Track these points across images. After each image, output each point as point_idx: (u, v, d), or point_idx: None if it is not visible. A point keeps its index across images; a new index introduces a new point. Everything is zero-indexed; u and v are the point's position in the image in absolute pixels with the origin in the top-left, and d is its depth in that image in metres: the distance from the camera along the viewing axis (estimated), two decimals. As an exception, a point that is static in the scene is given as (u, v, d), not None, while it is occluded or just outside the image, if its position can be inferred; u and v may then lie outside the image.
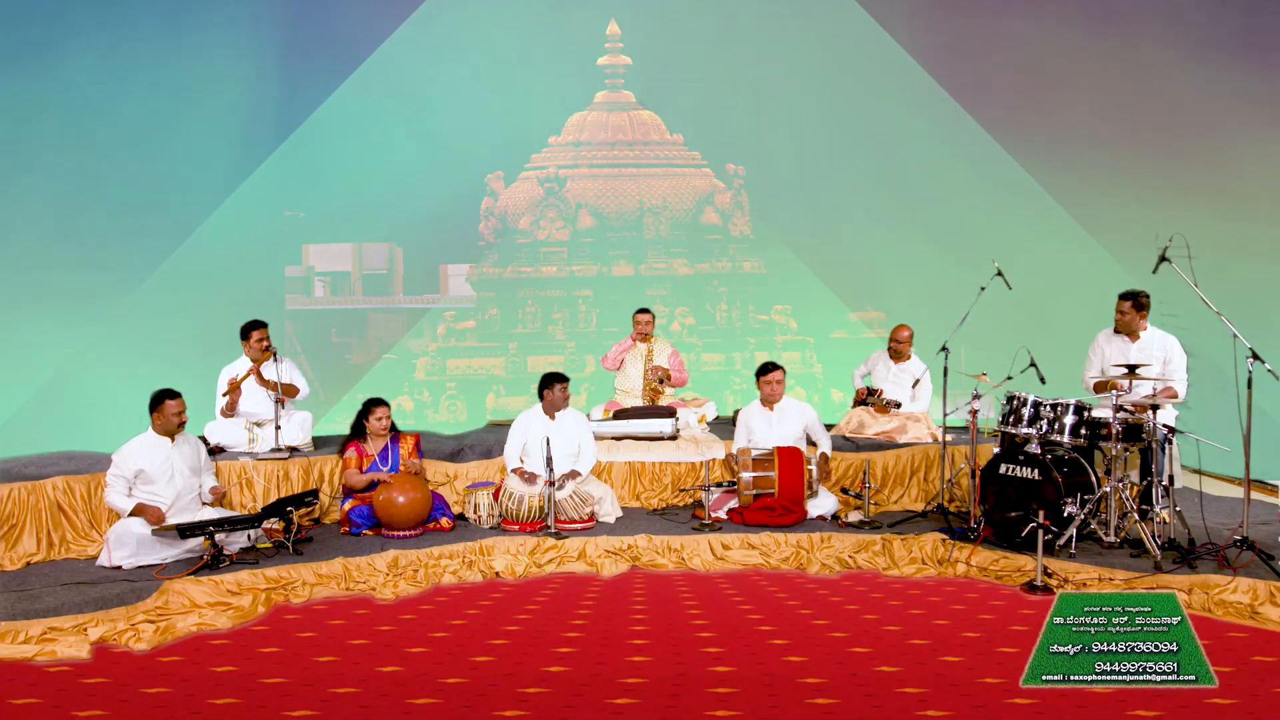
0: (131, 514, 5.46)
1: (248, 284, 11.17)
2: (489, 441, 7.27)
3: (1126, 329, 6.21)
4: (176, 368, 7.78)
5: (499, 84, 11.47)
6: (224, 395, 6.78)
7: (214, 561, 5.27)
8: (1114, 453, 5.69)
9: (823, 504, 6.43)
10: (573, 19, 11.64)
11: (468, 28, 11.40)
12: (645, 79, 11.98)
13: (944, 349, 6.65)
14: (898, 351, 7.57)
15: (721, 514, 6.37)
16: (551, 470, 6.02)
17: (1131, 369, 5.62)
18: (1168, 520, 5.54)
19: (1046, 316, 10.52)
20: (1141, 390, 5.76)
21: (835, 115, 11.46)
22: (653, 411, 7.36)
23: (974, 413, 6.20)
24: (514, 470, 6.41)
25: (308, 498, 6.13)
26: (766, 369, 6.77)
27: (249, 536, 5.64)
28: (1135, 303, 6.14)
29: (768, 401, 6.74)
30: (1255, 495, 5.84)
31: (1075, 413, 5.72)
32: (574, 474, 6.36)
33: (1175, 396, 6.00)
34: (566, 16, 11.60)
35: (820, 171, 11.55)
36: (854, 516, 6.32)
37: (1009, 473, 5.79)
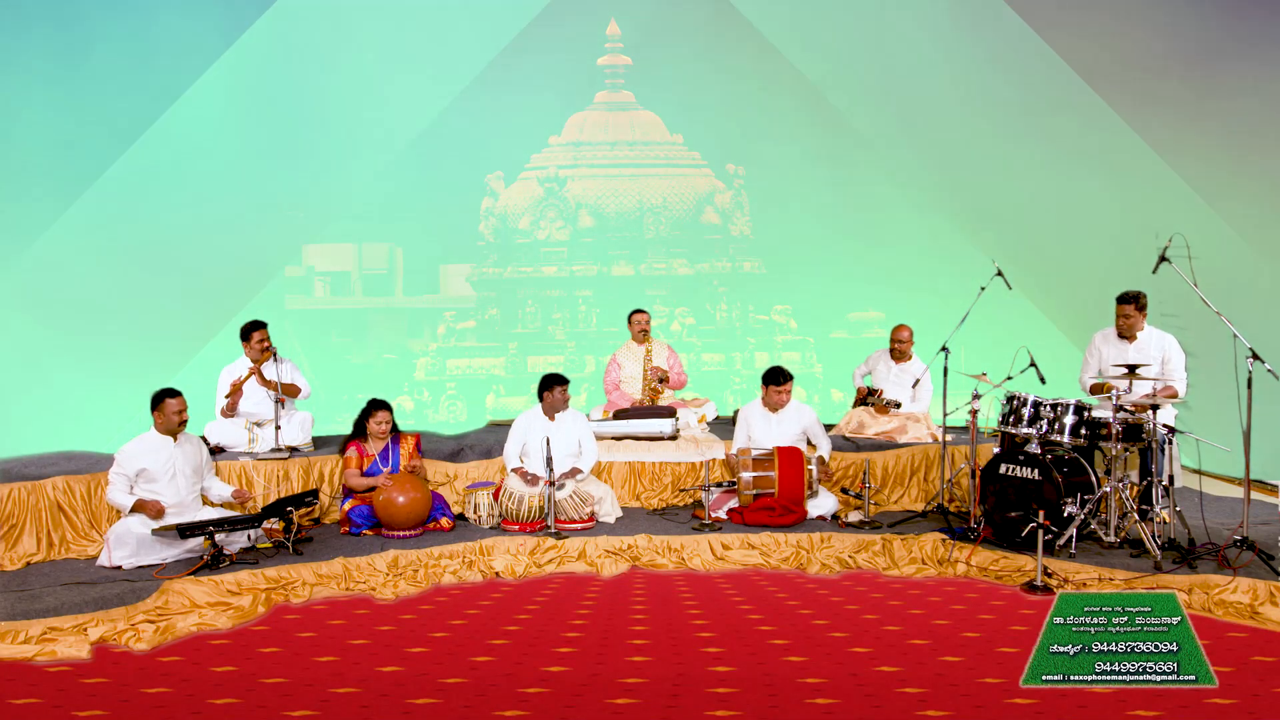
0: (132, 510, 5.47)
1: (248, 284, 11.17)
2: (489, 441, 7.28)
3: (1129, 332, 6.21)
4: (176, 368, 7.78)
5: (499, 84, 11.46)
6: (225, 397, 6.78)
7: (214, 561, 5.27)
8: (1114, 453, 5.70)
9: (823, 504, 6.43)
10: (573, 19, 11.64)
11: (467, 28, 11.40)
12: (645, 79, 11.97)
13: (944, 349, 6.66)
14: (899, 351, 7.57)
15: (721, 514, 6.37)
16: (551, 470, 6.02)
17: (1132, 369, 5.63)
18: (1168, 520, 5.55)
19: (1043, 322, 10.52)
20: (1141, 390, 5.76)
21: (835, 114, 11.45)
22: (653, 411, 7.36)
23: (974, 413, 6.20)
24: (514, 470, 6.41)
25: (308, 498, 6.13)
26: (780, 379, 6.65)
27: (249, 536, 5.65)
28: (1136, 304, 6.15)
29: (772, 405, 6.73)
30: (1255, 495, 5.84)
31: (1075, 413, 5.73)
32: (575, 471, 6.36)
33: (1175, 395, 6.00)
34: (566, 16, 11.60)
35: (820, 171, 11.54)
36: (854, 516, 6.32)
37: (1009, 473, 5.79)
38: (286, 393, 6.80)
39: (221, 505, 5.93)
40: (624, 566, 5.60)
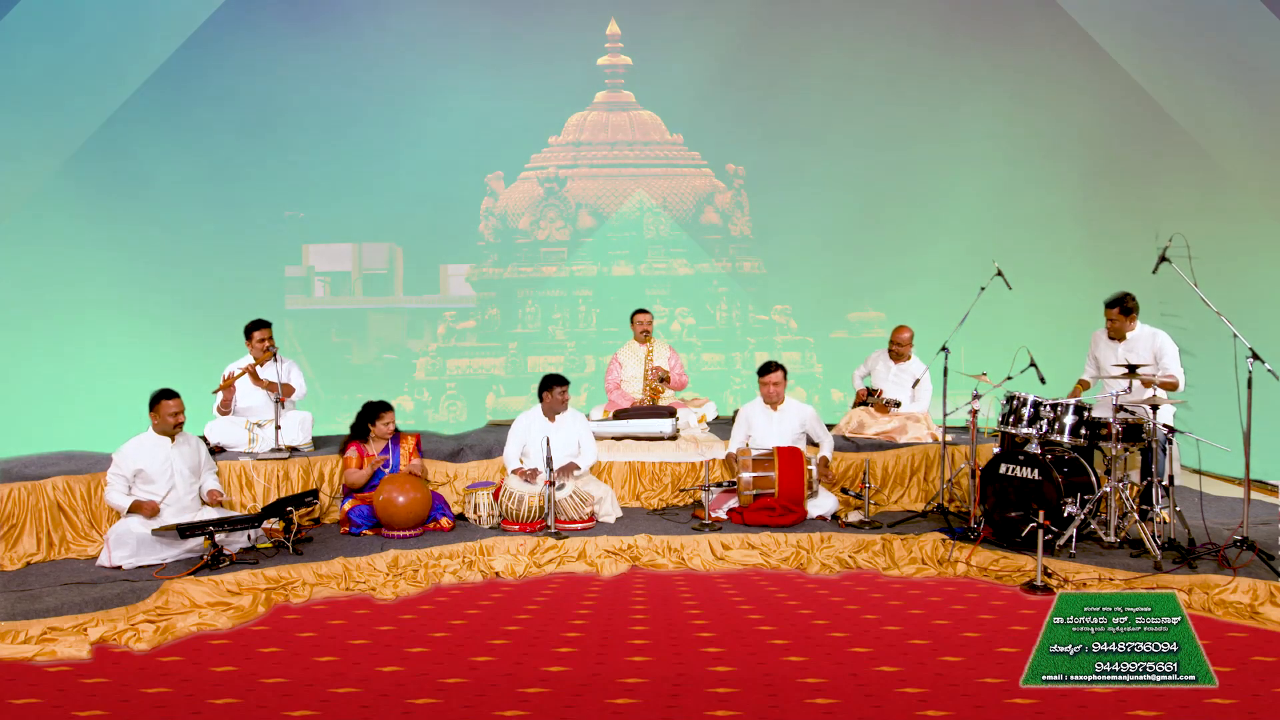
0: (129, 510, 5.47)
1: (248, 284, 11.18)
2: (489, 441, 7.27)
3: (1117, 334, 6.26)
4: (177, 368, 7.77)
5: (499, 84, 11.45)
6: (214, 392, 6.74)
7: (214, 561, 5.27)
8: (1114, 453, 5.70)
9: (823, 504, 6.43)
10: (573, 19, 11.63)
11: (468, 27, 11.40)
12: (645, 79, 11.98)
13: (944, 349, 6.66)
14: (898, 352, 7.57)
15: (721, 514, 6.37)
16: (551, 470, 6.02)
17: (1132, 369, 5.64)
18: (1168, 520, 5.55)
19: (1043, 318, 10.50)
20: (1144, 391, 5.76)
21: (836, 114, 11.44)
22: (653, 411, 7.36)
23: (974, 413, 6.20)
24: (514, 471, 6.41)
25: (308, 498, 6.13)
26: (767, 369, 6.76)
27: (249, 536, 5.64)
28: (1122, 308, 6.19)
29: (769, 402, 6.74)
30: (1255, 495, 5.84)
31: (1075, 413, 5.73)
32: (573, 466, 6.36)
33: (1176, 385, 5.99)
34: (566, 16, 11.59)
35: (820, 171, 11.53)
36: (854, 516, 6.32)
37: (1009, 473, 5.79)
38: (283, 392, 6.78)
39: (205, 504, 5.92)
40: (624, 566, 5.60)
